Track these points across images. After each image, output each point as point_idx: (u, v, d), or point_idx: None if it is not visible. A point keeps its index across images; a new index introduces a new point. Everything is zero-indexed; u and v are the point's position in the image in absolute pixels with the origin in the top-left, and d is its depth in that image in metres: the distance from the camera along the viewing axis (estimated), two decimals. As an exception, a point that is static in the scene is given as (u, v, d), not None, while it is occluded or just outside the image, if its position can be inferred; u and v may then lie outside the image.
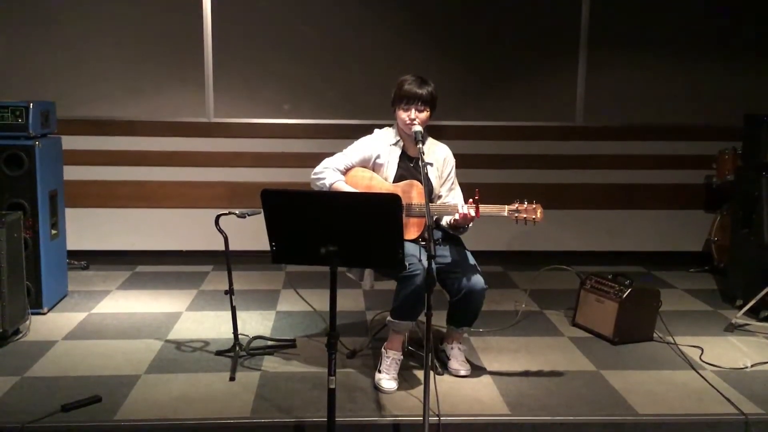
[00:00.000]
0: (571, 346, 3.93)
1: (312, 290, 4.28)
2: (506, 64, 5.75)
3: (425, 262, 2.88)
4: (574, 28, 5.71)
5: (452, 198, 3.53)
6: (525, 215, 3.23)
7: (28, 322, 4.01)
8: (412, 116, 3.36)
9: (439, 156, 3.52)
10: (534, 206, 3.24)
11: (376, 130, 3.58)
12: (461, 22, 5.68)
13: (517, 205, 3.25)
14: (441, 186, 3.53)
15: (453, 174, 3.56)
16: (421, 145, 3.25)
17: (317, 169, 3.49)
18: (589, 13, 5.68)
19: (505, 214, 3.25)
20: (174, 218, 5.70)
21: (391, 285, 3.39)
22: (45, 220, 4.29)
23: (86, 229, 5.54)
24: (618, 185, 5.87)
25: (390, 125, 3.56)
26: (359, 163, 3.50)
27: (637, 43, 5.75)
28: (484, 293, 3.39)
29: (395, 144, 3.50)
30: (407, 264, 3.11)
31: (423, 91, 3.37)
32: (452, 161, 3.57)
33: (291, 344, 3.81)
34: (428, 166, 3.44)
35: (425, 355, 2.79)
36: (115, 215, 5.65)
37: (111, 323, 4.19)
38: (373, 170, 3.50)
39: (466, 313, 3.47)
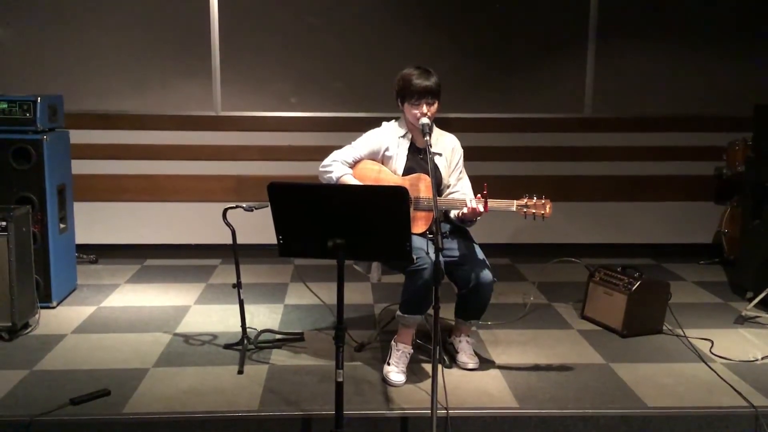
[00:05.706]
0: (580, 339, 3.91)
1: (320, 283, 4.28)
2: (514, 55, 5.72)
3: (433, 256, 2.86)
4: (582, 17, 5.67)
5: (461, 187, 3.52)
6: (534, 210, 3.20)
7: (37, 315, 4.03)
8: (424, 111, 3.33)
9: (447, 146, 3.51)
10: (543, 201, 3.20)
11: (384, 123, 3.56)
12: (468, 13, 5.65)
13: (526, 200, 3.21)
14: (449, 176, 3.51)
15: (461, 163, 3.55)
16: (428, 137, 3.23)
17: (325, 161, 3.48)
18: (597, 2, 5.64)
19: (514, 209, 3.22)
20: (182, 212, 5.71)
21: (399, 278, 3.38)
22: (53, 214, 4.30)
23: (95, 222, 5.55)
24: (627, 177, 5.84)
25: (397, 117, 3.55)
26: (368, 155, 3.49)
27: (646, 33, 5.71)
28: (492, 286, 3.38)
29: (403, 136, 3.48)
30: (415, 258, 3.10)
31: (431, 84, 3.34)
32: (460, 151, 3.56)
33: (299, 337, 3.82)
34: (437, 157, 3.43)
35: (433, 348, 2.78)
36: (124, 209, 5.66)
37: (120, 317, 4.20)
38: (382, 163, 3.48)
39: (474, 306, 3.46)
